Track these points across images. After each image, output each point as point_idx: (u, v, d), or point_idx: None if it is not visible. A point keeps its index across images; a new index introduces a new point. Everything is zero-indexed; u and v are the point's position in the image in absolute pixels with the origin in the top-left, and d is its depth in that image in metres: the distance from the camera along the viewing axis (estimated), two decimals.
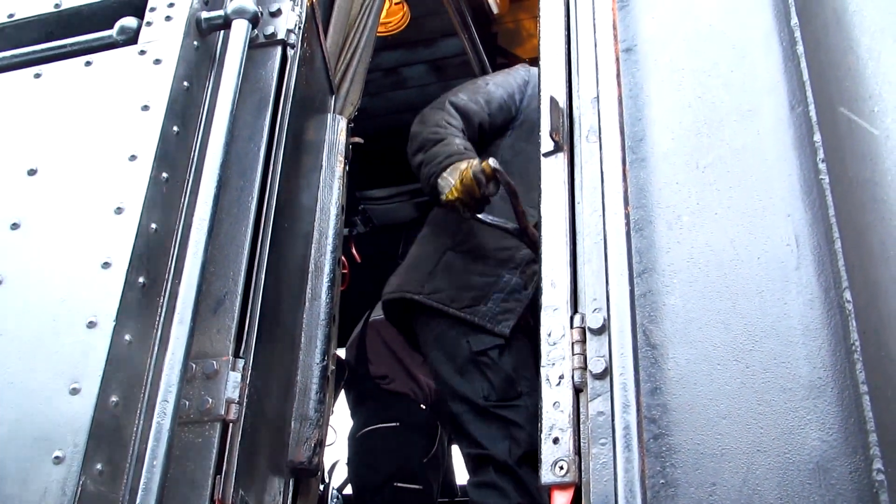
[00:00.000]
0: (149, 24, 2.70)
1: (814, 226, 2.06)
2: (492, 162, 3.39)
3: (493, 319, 3.55)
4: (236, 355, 2.37)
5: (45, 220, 2.38)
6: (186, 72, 2.63)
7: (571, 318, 2.15)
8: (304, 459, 2.70)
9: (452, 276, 3.68)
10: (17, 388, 2.13)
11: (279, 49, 2.86)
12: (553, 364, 2.12)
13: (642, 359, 1.99)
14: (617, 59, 2.33)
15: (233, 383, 2.31)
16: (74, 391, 2.09)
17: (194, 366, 2.31)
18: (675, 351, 2.02)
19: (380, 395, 5.06)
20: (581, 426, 2.03)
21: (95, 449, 2.04)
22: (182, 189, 2.53)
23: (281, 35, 2.87)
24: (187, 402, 2.26)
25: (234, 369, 2.34)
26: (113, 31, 2.70)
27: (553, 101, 2.42)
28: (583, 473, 1.98)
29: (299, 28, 2.93)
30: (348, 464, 4.96)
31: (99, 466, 2.05)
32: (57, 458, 2.01)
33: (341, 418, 5.41)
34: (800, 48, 2.27)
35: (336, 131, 3.30)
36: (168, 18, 2.71)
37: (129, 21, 2.71)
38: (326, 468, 4.47)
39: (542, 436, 2.05)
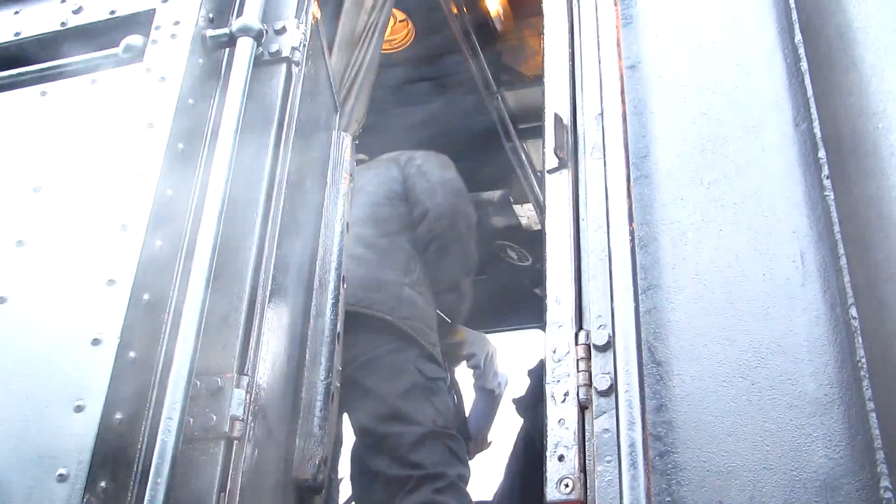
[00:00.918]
0: (154, 42, 2.71)
1: (819, 242, 2.06)
2: None
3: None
4: (241, 372, 2.37)
5: (50, 238, 2.39)
6: (191, 89, 2.64)
7: (576, 335, 2.14)
8: (309, 476, 2.70)
9: (418, 311, 4.04)
10: (21, 406, 2.13)
11: (284, 66, 2.86)
12: (558, 381, 2.11)
13: (647, 376, 1.99)
14: (621, 76, 2.33)
15: (237, 400, 2.31)
16: (79, 408, 2.09)
17: (198, 383, 2.30)
18: (680, 368, 2.01)
19: None
20: (586, 443, 2.02)
21: (100, 466, 2.04)
22: (187, 206, 2.53)
23: (286, 53, 2.87)
24: (191, 420, 2.25)
25: (238, 386, 2.33)
26: (118, 49, 2.71)
27: (557, 118, 2.43)
28: (588, 491, 1.96)
29: (304, 46, 2.94)
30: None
31: (103, 484, 2.04)
32: (61, 475, 2.01)
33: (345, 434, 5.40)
34: (804, 65, 2.27)
35: (341, 148, 3.31)
36: (173, 36, 2.72)
37: (135, 39, 2.72)
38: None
39: (548, 453, 2.04)
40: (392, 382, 3.80)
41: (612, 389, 1.98)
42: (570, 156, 2.39)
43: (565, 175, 2.37)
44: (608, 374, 2.02)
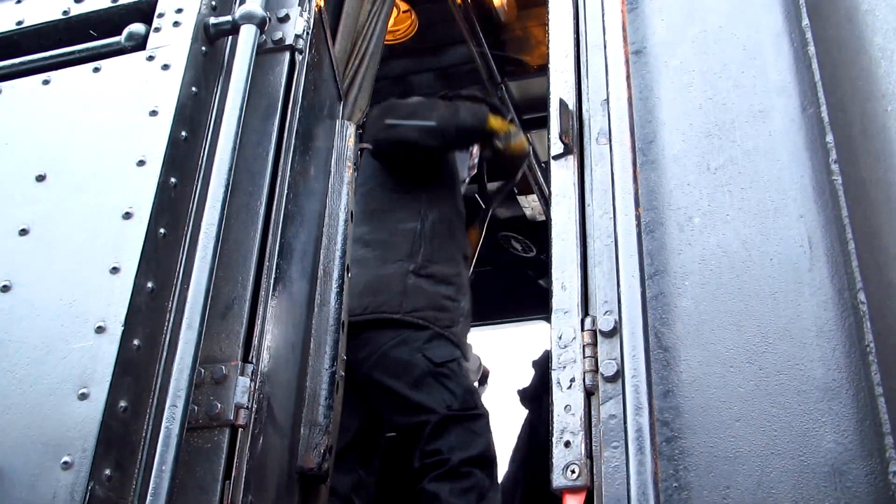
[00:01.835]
0: (157, 29, 2.70)
1: (827, 227, 2.04)
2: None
3: (458, 337, 4.00)
4: (245, 360, 2.36)
5: (54, 226, 2.38)
6: (195, 77, 2.63)
7: (582, 321, 2.13)
8: (314, 465, 2.69)
9: (427, 297, 3.98)
10: (25, 394, 2.13)
11: (287, 54, 2.85)
12: (564, 367, 2.10)
13: (654, 361, 1.97)
14: (627, 62, 2.31)
15: (242, 388, 2.30)
16: (83, 396, 2.09)
17: (203, 371, 2.29)
18: (687, 353, 2.00)
19: None
20: (592, 429, 2.01)
21: (104, 454, 2.04)
22: (190, 194, 2.52)
23: (289, 40, 2.86)
24: (196, 408, 2.25)
25: (243, 374, 2.32)
26: (121, 38, 2.70)
27: (563, 104, 2.41)
28: (595, 477, 1.96)
29: (307, 33, 2.93)
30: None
31: (107, 472, 2.04)
32: (66, 463, 2.01)
33: None
34: (811, 49, 2.25)
35: (345, 137, 3.29)
36: (176, 24, 2.70)
37: (138, 27, 2.71)
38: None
39: (554, 439, 2.03)
40: (402, 376, 3.78)
41: (618, 375, 1.97)
42: (575, 142, 2.38)
43: (571, 161, 2.36)
44: (615, 359, 2.01)
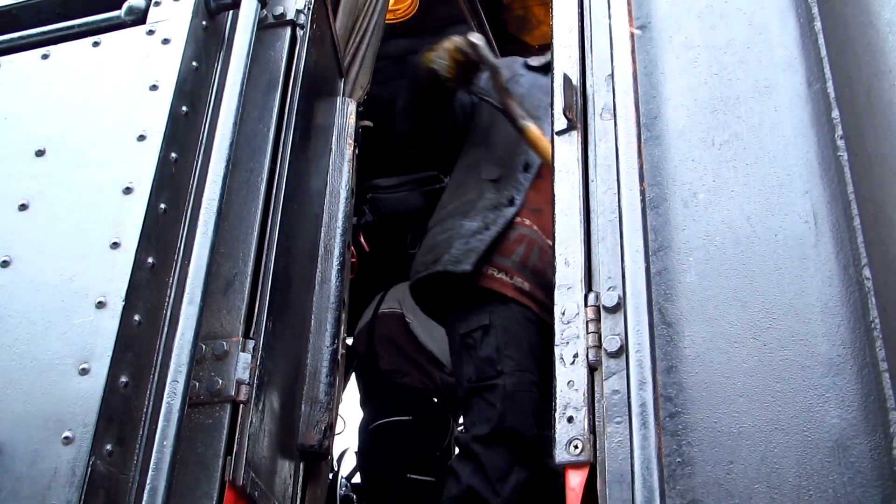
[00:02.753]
0: (157, 3, 2.68)
1: (832, 202, 2.03)
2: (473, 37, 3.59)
3: (455, 262, 3.47)
4: (246, 336, 2.35)
5: (54, 201, 2.37)
6: (195, 52, 2.61)
7: (585, 297, 2.12)
8: (315, 443, 2.69)
9: (424, 247, 3.69)
10: (26, 369, 2.12)
11: (288, 30, 2.84)
12: (567, 343, 2.09)
13: (658, 337, 1.96)
14: (632, 36, 2.29)
15: (243, 364, 2.29)
16: (84, 371, 2.08)
17: (204, 347, 2.29)
18: (691, 329, 1.99)
19: (391, 388, 5.06)
20: (595, 405, 2.01)
21: (105, 429, 2.03)
22: (191, 169, 2.51)
23: (290, 15, 2.84)
24: (197, 384, 2.25)
25: (244, 350, 2.32)
26: (121, 12, 2.68)
27: (566, 79, 2.39)
28: (598, 452, 1.95)
29: (309, 9, 2.91)
30: (359, 454, 4.95)
31: (109, 447, 2.03)
32: (67, 438, 2.00)
33: (350, 406, 5.41)
34: (818, 24, 2.23)
35: (346, 114, 3.28)
36: None
37: (138, 1, 2.69)
38: (335, 456, 4.47)
39: (556, 415, 2.02)
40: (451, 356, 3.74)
41: (622, 350, 1.96)
42: (579, 117, 2.36)
43: (574, 136, 2.34)
44: (618, 335, 2.00)
